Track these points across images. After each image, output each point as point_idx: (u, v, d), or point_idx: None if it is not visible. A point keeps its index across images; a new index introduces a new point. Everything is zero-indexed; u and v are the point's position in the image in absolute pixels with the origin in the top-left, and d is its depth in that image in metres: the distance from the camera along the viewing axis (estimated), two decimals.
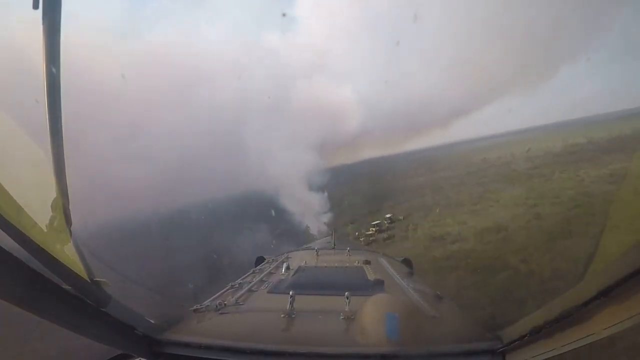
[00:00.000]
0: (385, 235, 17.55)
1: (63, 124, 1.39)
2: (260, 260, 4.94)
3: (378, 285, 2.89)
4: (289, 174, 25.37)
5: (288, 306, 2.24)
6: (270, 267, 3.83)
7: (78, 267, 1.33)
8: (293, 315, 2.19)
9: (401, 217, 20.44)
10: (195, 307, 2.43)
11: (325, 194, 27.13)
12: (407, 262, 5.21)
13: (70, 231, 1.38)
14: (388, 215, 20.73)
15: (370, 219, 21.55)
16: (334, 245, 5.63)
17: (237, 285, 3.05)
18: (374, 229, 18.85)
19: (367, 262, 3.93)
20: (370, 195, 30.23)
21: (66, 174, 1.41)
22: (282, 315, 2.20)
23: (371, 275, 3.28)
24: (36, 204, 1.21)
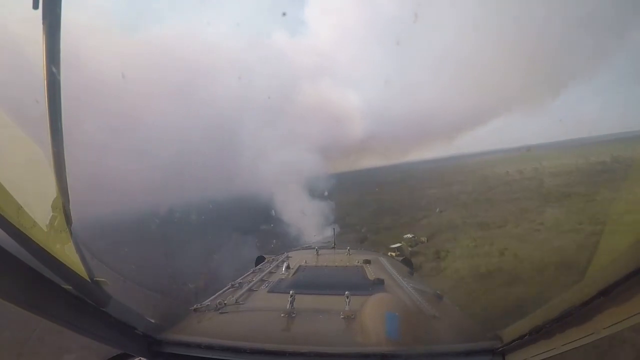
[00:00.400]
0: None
1: (64, 122, 1.39)
2: (260, 259, 4.94)
3: (378, 284, 2.90)
4: (289, 178, 23.23)
5: (288, 305, 2.24)
6: (270, 267, 3.83)
7: (78, 267, 1.33)
8: (293, 315, 2.19)
9: (424, 239, 16.19)
10: (195, 306, 2.43)
11: (330, 203, 23.59)
12: (407, 261, 5.21)
13: (70, 231, 1.38)
14: (409, 236, 16.33)
15: (383, 237, 17.32)
16: (334, 244, 5.63)
17: (237, 285, 3.05)
18: (394, 254, 14.54)
19: (367, 262, 3.93)
20: (381, 207, 26.24)
21: (66, 174, 1.41)
22: (282, 315, 2.20)
23: (371, 275, 3.28)
24: (36, 204, 1.21)
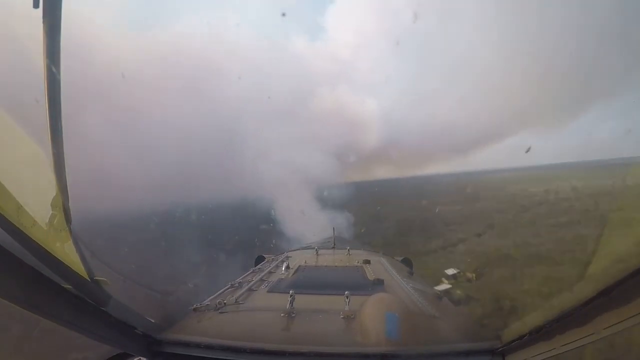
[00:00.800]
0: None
1: (64, 121, 1.39)
2: (260, 259, 4.95)
3: (378, 284, 2.90)
4: (300, 185, 21.48)
5: (288, 305, 2.24)
6: (270, 267, 3.84)
7: (78, 267, 1.33)
8: (293, 315, 2.20)
9: (471, 275, 12.23)
10: (195, 306, 2.43)
11: (347, 215, 21.04)
12: (407, 261, 5.21)
13: (70, 230, 1.38)
14: (452, 271, 12.42)
15: (418, 268, 10.87)
16: (334, 244, 5.64)
17: (237, 285, 3.05)
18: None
19: (367, 262, 3.93)
20: (404, 224, 22.18)
21: (66, 173, 1.41)
22: (282, 315, 2.20)
23: (371, 275, 3.28)
24: (36, 203, 1.21)
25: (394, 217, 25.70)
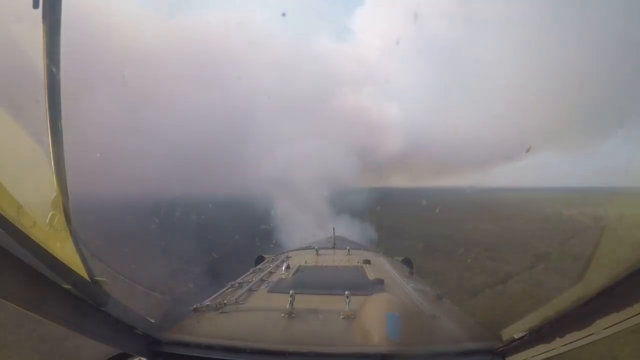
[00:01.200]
0: None
1: (63, 121, 1.40)
2: (260, 259, 4.95)
3: (378, 284, 2.90)
4: (315, 187, 20.34)
5: (288, 305, 2.24)
6: (270, 267, 3.84)
7: (78, 267, 1.33)
8: (293, 315, 2.19)
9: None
10: (195, 306, 2.43)
11: (363, 224, 19.45)
12: (407, 261, 5.21)
13: (70, 230, 1.38)
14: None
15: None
16: (334, 244, 5.64)
17: (237, 285, 3.05)
18: None
19: (367, 262, 3.93)
20: (426, 240, 18.60)
21: (66, 173, 1.42)
22: (282, 315, 2.20)
23: (371, 275, 3.29)
24: (36, 203, 1.22)
25: (418, 233, 21.88)
